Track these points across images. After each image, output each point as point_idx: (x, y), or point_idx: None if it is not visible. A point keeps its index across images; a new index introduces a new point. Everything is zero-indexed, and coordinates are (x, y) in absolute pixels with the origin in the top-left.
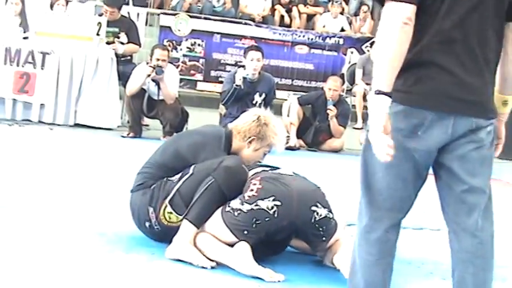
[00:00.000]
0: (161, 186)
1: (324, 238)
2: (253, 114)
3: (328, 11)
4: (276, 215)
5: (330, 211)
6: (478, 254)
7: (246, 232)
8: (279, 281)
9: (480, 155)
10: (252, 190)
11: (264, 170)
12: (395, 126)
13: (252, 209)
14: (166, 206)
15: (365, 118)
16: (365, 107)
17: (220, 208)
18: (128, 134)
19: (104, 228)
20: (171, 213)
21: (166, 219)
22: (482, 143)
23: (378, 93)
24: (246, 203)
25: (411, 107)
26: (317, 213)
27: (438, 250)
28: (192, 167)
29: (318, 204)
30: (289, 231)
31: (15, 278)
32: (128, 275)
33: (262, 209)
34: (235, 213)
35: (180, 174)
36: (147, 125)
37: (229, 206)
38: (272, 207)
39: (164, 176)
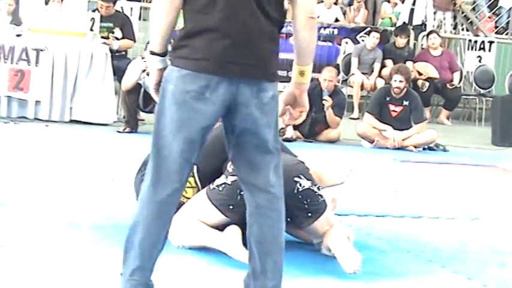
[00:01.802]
0: None
1: (309, 214)
2: None
3: (322, 1)
4: None
5: (315, 184)
6: (273, 207)
7: (231, 207)
8: None
9: (265, 115)
10: None
11: None
12: (183, 88)
13: (235, 180)
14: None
15: (362, 108)
16: (362, 97)
17: (205, 188)
18: (124, 129)
19: (102, 222)
20: (187, 187)
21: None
22: (267, 104)
23: (151, 54)
24: (231, 175)
25: (198, 72)
26: (300, 184)
27: (437, 238)
28: None
29: (301, 176)
30: None
31: (11, 275)
32: None
33: None
34: (220, 188)
35: None
36: (143, 120)
37: (213, 184)
38: None
39: None
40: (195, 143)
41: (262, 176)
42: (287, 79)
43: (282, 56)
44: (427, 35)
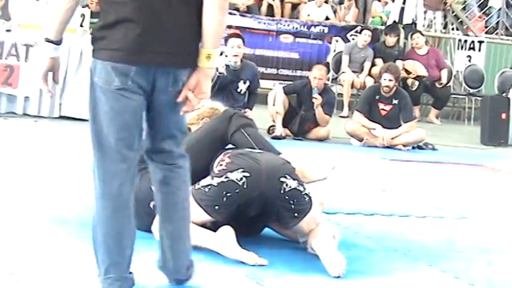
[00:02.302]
0: None
1: (295, 214)
2: (210, 107)
3: None
4: (245, 186)
5: (301, 184)
6: (175, 176)
7: (217, 207)
8: (262, 265)
9: (176, 104)
10: (221, 165)
11: (234, 149)
12: (106, 79)
13: (222, 181)
14: None
15: (352, 106)
16: (352, 95)
17: (191, 188)
18: None
19: (90, 218)
20: None
21: None
22: (178, 91)
23: (46, 41)
24: (216, 177)
25: (117, 62)
26: (286, 184)
27: (424, 237)
28: None
29: (287, 176)
30: (260, 205)
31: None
32: None
33: (232, 180)
34: (206, 189)
35: None
36: None
37: (199, 184)
38: (241, 178)
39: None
40: (132, 128)
41: (166, 151)
42: (276, 77)
43: (272, 53)
44: (411, 35)
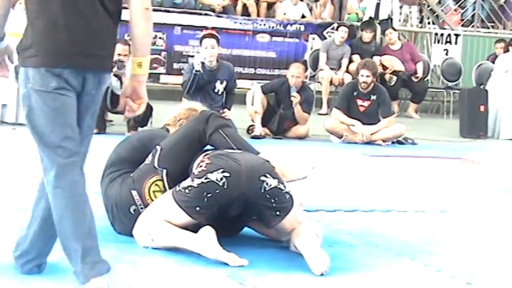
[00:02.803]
0: (140, 170)
1: (277, 212)
2: (184, 105)
3: None
4: (225, 186)
5: (281, 183)
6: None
7: (198, 208)
8: (242, 266)
9: (95, 104)
10: (201, 166)
11: (213, 150)
12: (41, 83)
13: (202, 182)
14: (152, 184)
15: (330, 104)
16: (331, 92)
17: (171, 190)
18: None
19: None
20: (156, 191)
21: (151, 198)
22: (99, 96)
23: None
24: (196, 178)
25: (51, 67)
26: (267, 183)
27: (406, 231)
28: (158, 146)
29: (267, 175)
30: (241, 205)
31: None
32: None
33: (212, 181)
34: (187, 191)
35: (150, 156)
36: (111, 121)
37: (179, 186)
38: (221, 179)
39: (130, 169)
40: (74, 124)
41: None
42: (254, 76)
43: (249, 53)
44: (383, 32)
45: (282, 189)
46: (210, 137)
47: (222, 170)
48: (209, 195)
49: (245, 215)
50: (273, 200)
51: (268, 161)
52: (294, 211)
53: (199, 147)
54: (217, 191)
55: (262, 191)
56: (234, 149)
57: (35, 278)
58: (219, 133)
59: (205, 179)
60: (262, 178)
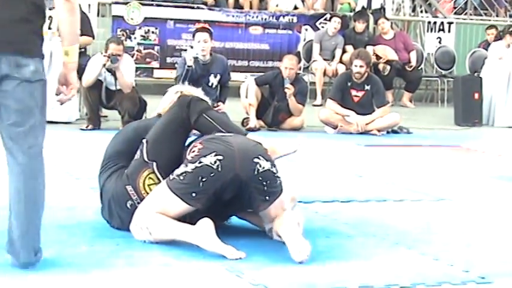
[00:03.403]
0: (132, 165)
1: (267, 197)
2: (175, 91)
3: None
4: (219, 169)
5: (274, 166)
6: (31, 165)
7: (194, 194)
8: (240, 258)
9: (25, 89)
10: (193, 151)
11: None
12: None
13: (196, 167)
14: (146, 177)
15: (324, 94)
16: (325, 83)
17: (165, 180)
18: (86, 127)
19: (67, 221)
20: (151, 184)
21: (147, 192)
22: (27, 78)
23: None
24: (190, 163)
25: None
26: (260, 165)
27: (402, 221)
28: (144, 139)
29: (260, 157)
30: (235, 188)
31: None
32: (95, 267)
33: (206, 164)
34: (181, 177)
35: (139, 151)
36: (105, 116)
37: (173, 174)
38: (215, 162)
39: (127, 162)
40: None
41: (25, 141)
42: (247, 69)
43: (242, 46)
44: (376, 22)
45: (274, 173)
46: (195, 123)
47: (215, 153)
48: (204, 179)
49: (237, 198)
50: (264, 183)
51: (260, 143)
52: (282, 197)
53: (185, 133)
54: (212, 174)
55: (256, 173)
56: (222, 132)
57: (34, 274)
58: (204, 117)
59: (199, 163)
60: (256, 160)
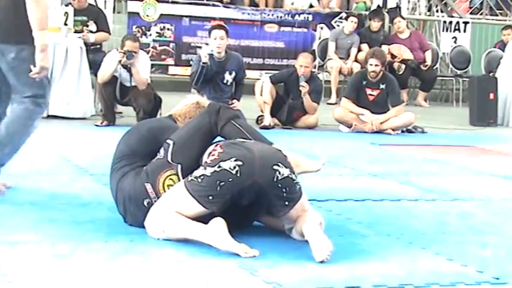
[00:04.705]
0: (153, 164)
1: (286, 202)
2: (192, 100)
3: None
4: (238, 174)
5: (293, 172)
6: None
7: (210, 197)
8: (254, 256)
9: (16, 71)
10: (213, 155)
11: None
12: None
13: (215, 171)
14: (166, 178)
15: (339, 93)
16: (340, 82)
17: (183, 180)
18: (101, 123)
19: (81, 217)
20: (170, 185)
21: (165, 192)
22: (12, 62)
23: None
24: (209, 166)
25: None
26: (279, 172)
27: (417, 220)
28: (169, 140)
29: (280, 164)
30: (253, 194)
31: None
32: (109, 263)
33: (225, 169)
34: (199, 180)
35: (162, 150)
36: (120, 113)
37: (191, 176)
38: (234, 167)
39: (143, 162)
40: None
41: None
42: (262, 66)
43: (257, 43)
44: (392, 21)
45: (294, 179)
46: (222, 129)
47: (235, 158)
48: (222, 183)
49: (256, 205)
50: (284, 190)
51: (280, 150)
52: (302, 200)
53: (211, 139)
54: (230, 179)
55: (275, 180)
56: (248, 138)
57: (49, 269)
58: (232, 124)
59: (218, 167)
60: (275, 167)
